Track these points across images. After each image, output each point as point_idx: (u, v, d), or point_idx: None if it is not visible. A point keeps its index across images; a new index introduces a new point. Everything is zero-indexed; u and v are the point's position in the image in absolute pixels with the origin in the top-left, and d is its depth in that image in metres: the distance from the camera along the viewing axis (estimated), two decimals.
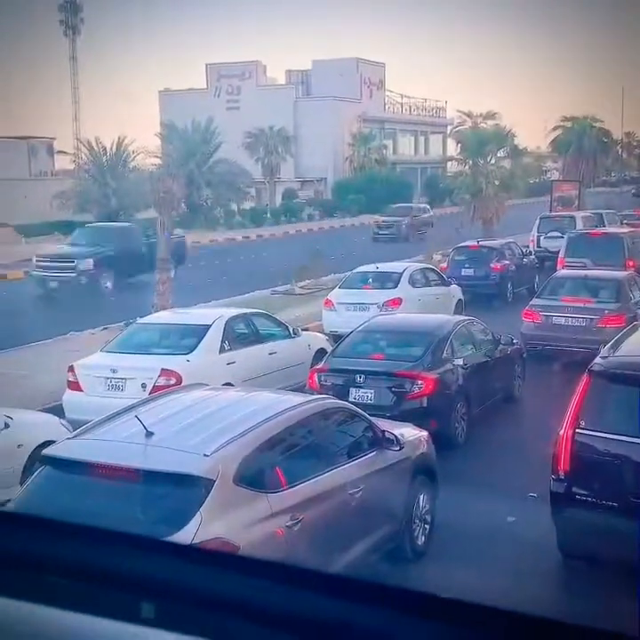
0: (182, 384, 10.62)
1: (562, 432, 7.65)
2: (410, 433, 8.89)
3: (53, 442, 7.74)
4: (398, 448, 8.02)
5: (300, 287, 24.88)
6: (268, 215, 57.23)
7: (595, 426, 7.57)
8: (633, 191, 69.08)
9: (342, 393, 11.48)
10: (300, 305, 22.00)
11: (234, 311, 14.04)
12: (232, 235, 48.56)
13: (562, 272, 19.62)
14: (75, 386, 11.88)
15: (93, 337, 17.63)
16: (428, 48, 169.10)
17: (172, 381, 11.14)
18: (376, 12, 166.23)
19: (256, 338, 13.50)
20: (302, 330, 16.96)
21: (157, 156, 46.98)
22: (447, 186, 49.29)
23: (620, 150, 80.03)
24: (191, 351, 12.15)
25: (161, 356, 12.06)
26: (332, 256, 30.76)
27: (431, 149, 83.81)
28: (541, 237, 29.81)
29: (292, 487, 6.68)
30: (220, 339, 12.55)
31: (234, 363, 12.46)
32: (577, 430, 7.58)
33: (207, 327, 12.56)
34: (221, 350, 12.48)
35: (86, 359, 12.40)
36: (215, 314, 13.45)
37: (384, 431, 8.07)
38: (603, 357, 7.99)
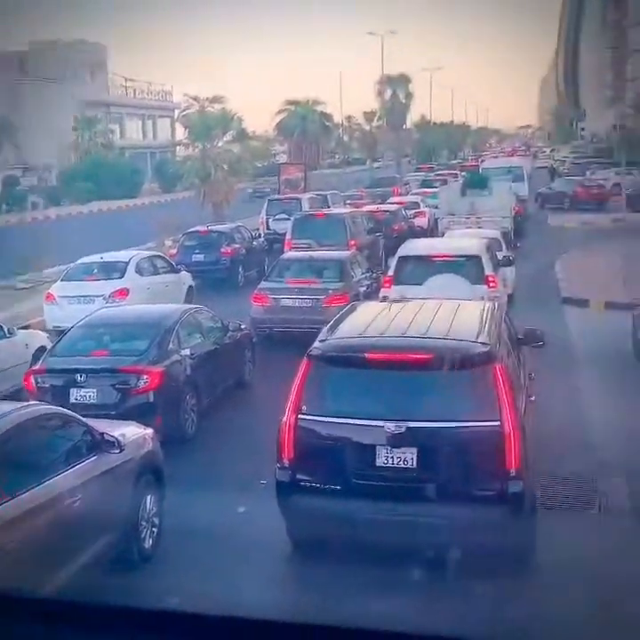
0: None
1: (284, 419, 7.50)
2: (133, 432, 8.43)
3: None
4: (118, 451, 7.54)
5: (21, 281, 23.37)
6: None
7: (316, 410, 7.47)
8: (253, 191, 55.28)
9: (62, 394, 10.88)
10: (21, 300, 20.70)
11: None
12: None
13: (288, 254, 19.78)
14: None
15: None
16: (153, 31, 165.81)
17: None
18: None
19: None
20: (23, 327, 15.99)
21: None
22: (177, 170, 48.58)
23: (341, 133, 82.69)
24: None
25: None
26: (61, 247, 29.22)
27: (160, 134, 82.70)
28: (270, 220, 30.07)
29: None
30: None
31: None
32: (299, 416, 7.46)
33: None
34: None
35: None
36: None
37: (103, 434, 7.56)
38: (320, 341, 7.90)
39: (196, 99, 46.55)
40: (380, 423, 7.19)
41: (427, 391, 7.44)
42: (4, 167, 61.36)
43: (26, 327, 16.41)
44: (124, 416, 9.96)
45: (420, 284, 14.57)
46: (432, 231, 30.78)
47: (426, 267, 15.42)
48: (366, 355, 7.48)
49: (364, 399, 7.55)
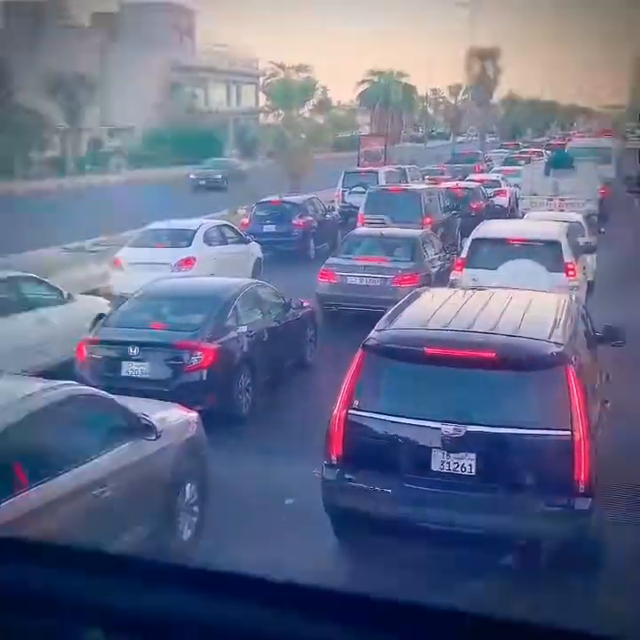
0: None
1: (334, 413, 6.92)
2: (175, 415, 7.94)
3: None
4: (154, 437, 7.02)
5: (94, 243, 22.94)
6: (73, 165, 54.20)
7: (368, 406, 6.87)
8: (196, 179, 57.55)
9: (114, 367, 10.51)
10: (91, 264, 20.29)
11: None
12: (30, 185, 45.27)
13: (358, 230, 19.13)
14: None
15: None
16: None
17: None
18: None
19: (19, 304, 11.96)
20: (90, 292, 15.72)
21: None
22: (258, 138, 48.31)
23: (425, 106, 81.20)
24: None
25: None
26: (137, 210, 28.95)
27: (244, 101, 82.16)
28: (346, 193, 29.28)
29: (19, 494, 5.65)
30: None
31: None
32: (350, 411, 6.87)
33: None
34: None
35: None
36: None
37: (140, 418, 7.07)
38: (377, 330, 7.26)
39: (281, 66, 46.13)
40: (437, 425, 6.56)
41: (490, 393, 6.76)
42: (91, 129, 61.61)
43: (93, 292, 16.07)
44: (176, 393, 9.65)
45: (494, 269, 13.74)
46: (512, 211, 29.75)
47: (501, 250, 14.48)
48: (425, 349, 6.81)
49: (420, 397, 6.92)
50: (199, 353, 10.53)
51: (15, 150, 45.38)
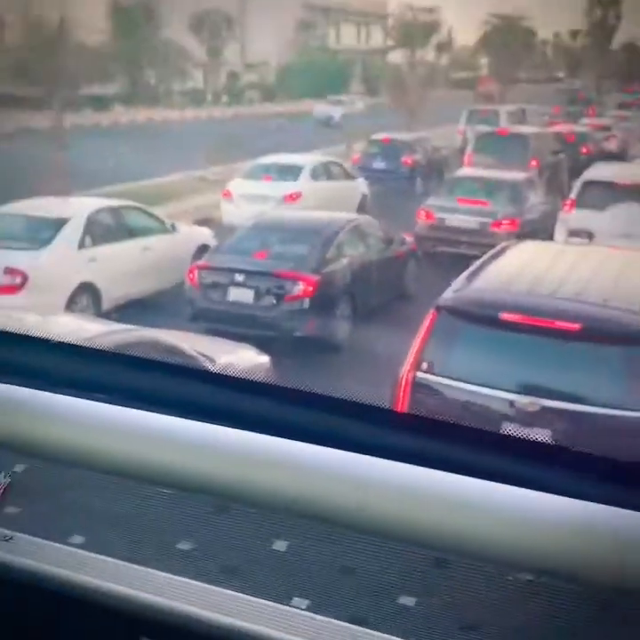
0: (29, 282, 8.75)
1: (401, 373, 5.97)
2: (245, 358, 7.13)
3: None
4: None
5: (214, 173, 22.18)
6: (211, 97, 53.74)
7: (438, 370, 5.88)
8: None
9: (222, 292, 10.27)
10: (209, 192, 19.58)
11: (99, 203, 11.84)
12: (170, 114, 44.87)
13: (460, 171, 17.74)
14: None
15: None
16: None
17: (18, 280, 9.22)
18: None
19: (126, 233, 11.40)
20: (202, 221, 15.32)
21: (102, 34, 43.11)
22: (380, 76, 46.55)
23: (546, 49, 76.88)
24: (43, 246, 10.07)
25: (8, 251, 9.90)
26: (262, 142, 28.07)
27: (372, 40, 79.36)
28: (468, 129, 27.66)
29: None
30: (81, 233, 10.44)
31: (96, 260, 10.47)
32: (418, 373, 5.90)
33: (65, 220, 10.43)
34: (81, 246, 10.42)
35: None
36: (78, 205, 11.31)
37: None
38: (454, 291, 6.20)
39: (410, 7, 44.10)
40: (511, 397, 5.53)
41: (572, 367, 5.65)
42: (229, 64, 60.78)
43: (203, 222, 15.44)
44: (277, 319, 9.75)
45: (603, 211, 12.74)
46: (623, 156, 27.53)
47: (612, 193, 13.29)
48: (501, 314, 5.73)
49: (494, 365, 5.86)
50: (301, 282, 10.13)
51: (160, 81, 45.13)
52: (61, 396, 1.22)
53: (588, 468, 1.05)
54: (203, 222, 15.36)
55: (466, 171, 17.65)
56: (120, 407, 1.17)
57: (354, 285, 10.89)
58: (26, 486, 1.45)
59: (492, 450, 1.12)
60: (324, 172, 17.76)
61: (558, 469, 1.07)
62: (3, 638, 1.41)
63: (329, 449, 1.06)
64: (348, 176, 18.59)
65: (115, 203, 12.19)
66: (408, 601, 1.21)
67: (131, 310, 10.37)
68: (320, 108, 45.00)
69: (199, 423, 1.12)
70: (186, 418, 1.13)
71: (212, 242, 12.57)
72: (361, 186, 18.60)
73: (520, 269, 6.69)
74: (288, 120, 42.28)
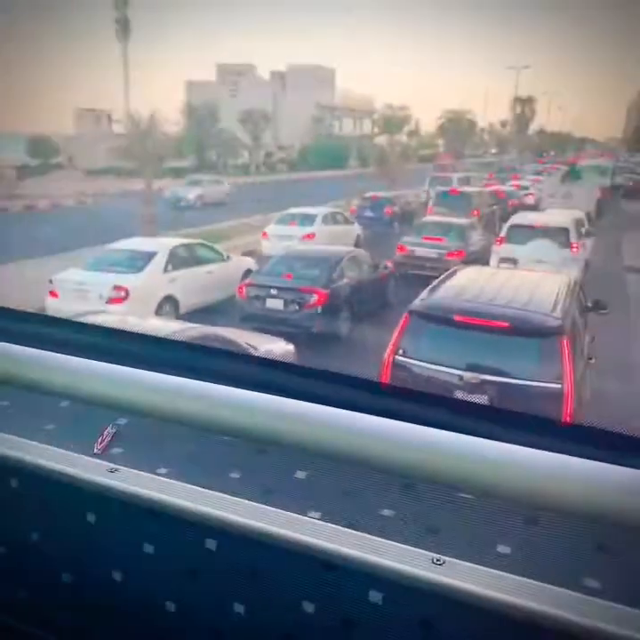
0: (130, 296, 8.77)
1: (385, 356, 5.95)
2: (279, 347, 7.12)
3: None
4: None
5: (256, 221, 22.29)
6: (254, 168, 53.80)
7: (410, 354, 5.86)
8: None
9: (262, 302, 10.18)
10: (253, 234, 19.61)
11: (177, 241, 11.82)
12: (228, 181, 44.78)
13: (426, 218, 17.64)
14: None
15: None
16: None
17: (123, 294, 9.25)
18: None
19: (196, 261, 11.37)
20: (246, 253, 15.25)
21: (177, 125, 43.28)
22: (369, 154, 46.34)
23: (483, 134, 76.86)
24: (140, 271, 10.10)
25: (116, 274, 9.96)
26: (288, 198, 27.96)
27: (364, 128, 79.47)
28: (430, 190, 27.56)
29: None
30: (165, 262, 10.48)
31: (175, 280, 10.48)
32: (396, 357, 5.87)
33: (154, 253, 10.48)
34: (165, 270, 10.45)
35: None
36: (163, 243, 11.33)
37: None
38: (420, 300, 6.18)
39: (390, 106, 43.97)
40: (461, 373, 5.50)
41: (502, 353, 5.62)
42: (266, 145, 60.92)
43: (249, 253, 15.41)
44: (300, 321, 9.71)
45: (524, 245, 12.94)
46: (537, 207, 27.31)
47: (529, 232, 13.50)
48: (455, 317, 5.72)
49: (449, 352, 5.83)
50: (315, 295, 10.13)
51: (219, 157, 45.21)
52: (150, 372, 1.17)
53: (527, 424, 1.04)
54: (248, 254, 15.33)
55: (429, 218, 17.56)
56: (199, 382, 1.14)
57: (352, 297, 10.88)
58: (126, 434, 1.44)
59: (447, 408, 1.13)
60: (331, 219, 17.67)
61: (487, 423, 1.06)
62: (106, 546, 1.39)
63: (334, 408, 1.05)
64: (348, 222, 18.48)
65: (187, 240, 12.18)
66: (388, 513, 1.21)
67: (200, 314, 10.43)
68: (174, 189, 28.51)
69: (248, 391, 1.11)
70: (240, 388, 1.12)
71: (255, 267, 12.51)
72: (356, 229, 18.47)
73: (466, 285, 6.66)
74: (310, 182, 42.11)
